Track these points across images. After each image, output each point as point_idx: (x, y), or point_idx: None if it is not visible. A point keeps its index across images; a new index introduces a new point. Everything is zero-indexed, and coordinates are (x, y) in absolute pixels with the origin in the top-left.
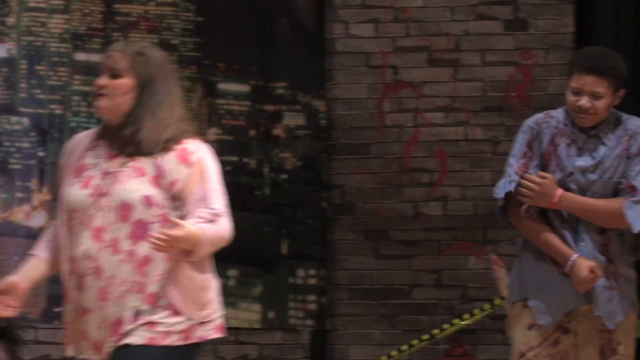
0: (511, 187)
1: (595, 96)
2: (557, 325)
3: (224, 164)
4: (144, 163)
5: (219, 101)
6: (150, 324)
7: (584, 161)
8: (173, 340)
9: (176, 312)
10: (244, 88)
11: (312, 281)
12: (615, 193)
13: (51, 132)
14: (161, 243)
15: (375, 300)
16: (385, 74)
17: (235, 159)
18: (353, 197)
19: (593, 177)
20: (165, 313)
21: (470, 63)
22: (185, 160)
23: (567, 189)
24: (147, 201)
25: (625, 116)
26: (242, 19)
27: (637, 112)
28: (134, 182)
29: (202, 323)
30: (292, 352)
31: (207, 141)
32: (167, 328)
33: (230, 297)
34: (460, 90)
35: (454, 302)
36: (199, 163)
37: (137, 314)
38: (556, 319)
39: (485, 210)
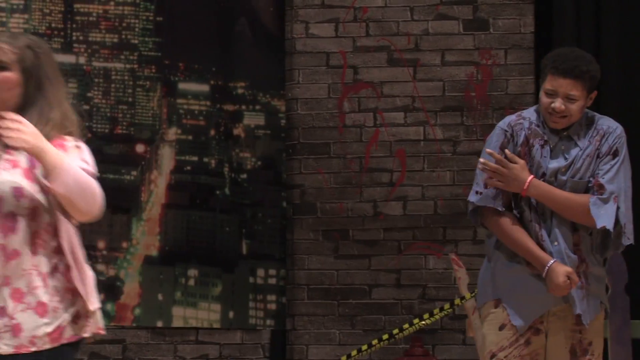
0: (476, 200)
1: (569, 99)
2: (528, 326)
3: (183, 163)
4: (18, 155)
5: (179, 101)
6: (16, 328)
7: (557, 162)
8: (40, 345)
9: (44, 312)
10: (203, 88)
11: (272, 281)
12: (586, 192)
13: None
14: (12, 131)
15: (335, 300)
16: (345, 74)
17: (195, 158)
18: (313, 196)
19: (564, 177)
20: (31, 312)
21: (430, 63)
22: (61, 147)
23: None
24: (17, 193)
25: (597, 116)
26: (202, 18)
27: (597, 111)
28: (6, 174)
29: (74, 321)
30: (252, 351)
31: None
32: (32, 333)
33: (190, 296)
34: (420, 90)
35: (414, 302)
36: (76, 150)
37: (3, 312)
38: (531, 319)
39: (445, 210)
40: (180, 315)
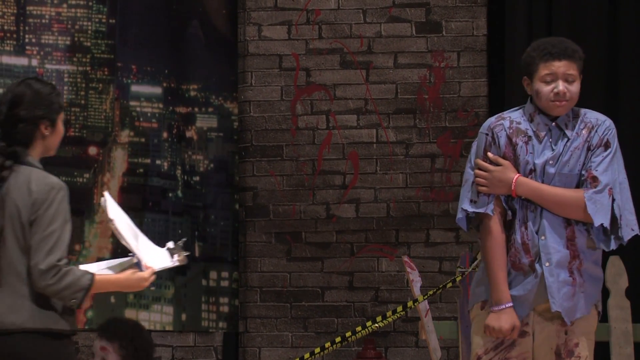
0: (470, 207)
1: (568, 80)
2: None
3: (136, 166)
4: None
5: (132, 103)
6: None
7: (544, 155)
8: None
9: None
10: (156, 90)
11: (225, 283)
12: (577, 186)
13: None
14: None
15: (287, 303)
16: (298, 76)
17: (147, 161)
18: (265, 199)
19: (552, 170)
20: None
21: (383, 65)
22: None
23: None
24: None
25: (583, 110)
26: (154, 21)
27: None
28: None
29: None
30: (204, 354)
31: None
32: None
33: (143, 299)
34: (372, 93)
35: (366, 305)
36: None
37: None
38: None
39: (398, 213)
40: (133, 318)
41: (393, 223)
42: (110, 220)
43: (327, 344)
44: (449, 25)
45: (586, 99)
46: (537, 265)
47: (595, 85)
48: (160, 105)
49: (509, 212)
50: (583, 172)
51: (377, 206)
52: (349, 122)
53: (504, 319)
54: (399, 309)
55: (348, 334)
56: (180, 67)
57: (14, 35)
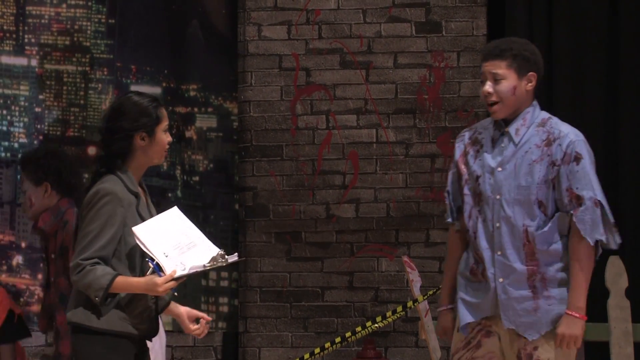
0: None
1: (496, 80)
2: (478, 328)
3: None
4: None
5: None
6: None
7: (494, 161)
8: None
9: None
10: (155, 90)
11: (225, 283)
12: (537, 198)
13: None
14: None
15: (287, 303)
16: (298, 76)
17: None
18: (265, 199)
19: (501, 176)
20: None
21: (383, 65)
22: None
23: (479, 193)
24: None
25: (554, 119)
26: (154, 21)
27: (549, 112)
28: None
29: None
30: (204, 354)
31: None
32: None
33: None
34: (372, 93)
35: (366, 305)
36: None
37: None
38: (474, 322)
39: (397, 213)
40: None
41: (393, 223)
42: (132, 232)
43: (327, 344)
44: (448, 25)
45: (586, 100)
46: (490, 276)
47: (595, 85)
48: None
49: (470, 221)
50: (564, 193)
51: (377, 206)
52: (349, 122)
53: (443, 320)
54: (399, 309)
55: (348, 334)
56: (180, 67)
57: (14, 35)
